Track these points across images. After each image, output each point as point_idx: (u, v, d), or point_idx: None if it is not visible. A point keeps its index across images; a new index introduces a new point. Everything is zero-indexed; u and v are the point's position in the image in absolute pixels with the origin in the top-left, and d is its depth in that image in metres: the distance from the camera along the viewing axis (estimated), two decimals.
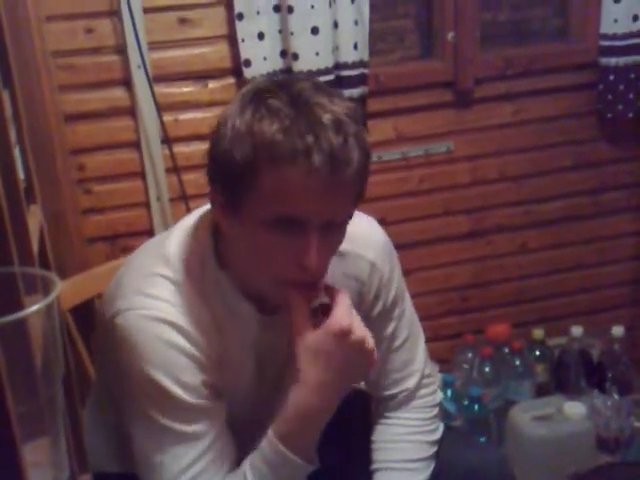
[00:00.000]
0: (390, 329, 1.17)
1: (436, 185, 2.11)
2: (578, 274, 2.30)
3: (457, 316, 2.23)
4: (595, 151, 2.20)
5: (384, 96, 1.99)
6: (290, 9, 1.76)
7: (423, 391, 1.22)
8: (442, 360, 2.13)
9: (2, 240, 0.64)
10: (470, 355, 2.05)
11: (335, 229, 0.95)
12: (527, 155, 2.15)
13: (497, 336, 2.06)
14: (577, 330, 2.06)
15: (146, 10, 1.76)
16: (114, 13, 1.76)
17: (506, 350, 2.03)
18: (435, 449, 1.19)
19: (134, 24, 1.73)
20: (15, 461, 0.55)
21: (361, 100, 1.90)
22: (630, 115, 2.09)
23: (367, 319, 1.10)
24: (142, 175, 1.87)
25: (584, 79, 2.12)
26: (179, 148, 1.87)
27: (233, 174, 0.88)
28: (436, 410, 1.23)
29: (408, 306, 1.21)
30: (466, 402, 1.82)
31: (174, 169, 1.86)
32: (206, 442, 0.99)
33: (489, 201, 2.16)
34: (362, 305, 1.12)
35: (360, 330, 0.96)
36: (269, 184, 0.86)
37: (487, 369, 1.97)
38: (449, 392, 1.84)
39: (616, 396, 1.87)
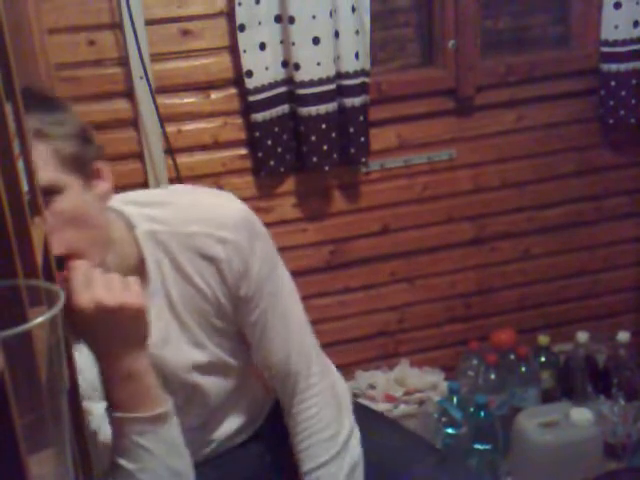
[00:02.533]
0: (256, 314, 1.16)
1: (439, 192, 2.11)
2: (582, 280, 2.30)
3: (462, 323, 2.23)
4: (597, 157, 2.20)
5: (386, 104, 1.99)
6: (291, 19, 1.77)
7: (307, 394, 1.21)
8: (447, 367, 2.13)
9: (6, 252, 0.64)
10: (475, 362, 2.04)
11: (53, 198, 0.93)
12: (529, 161, 2.15)
13: (502, 343, 2.06)
14: (582, 336, 2.05)
15: (148, 22, 1.77)
16: (116, 25, 1.76)
17: (511, 356, 2.03)
18: (338, 445, 1.19)
19: (136, 36, 1.74)
20: (20, 473, 0.55)
21: (363, 109, 1.90)
22: (632, 121, 2.10)
23: (236, 299, 1.13)
24: (146, 186, 1.87)
25: (585, 85, 2.12)
26: (182, 158, 1.88)
27: None
28: (328, 410, 1.21)
29: (285, 296, 1.20)
30: (472, 409, 1.81)
31: (177, 179, 1.87)
32: None
33: (492, 208, 2.16)
34: (226, 284, 1.12)
35: (96, 295, 0.92)
36: None
37: (493, 376, 1.97)
38: (455, 399, 1.84)
39: (622, 402, 1.87)
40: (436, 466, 1.24)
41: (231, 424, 1.30)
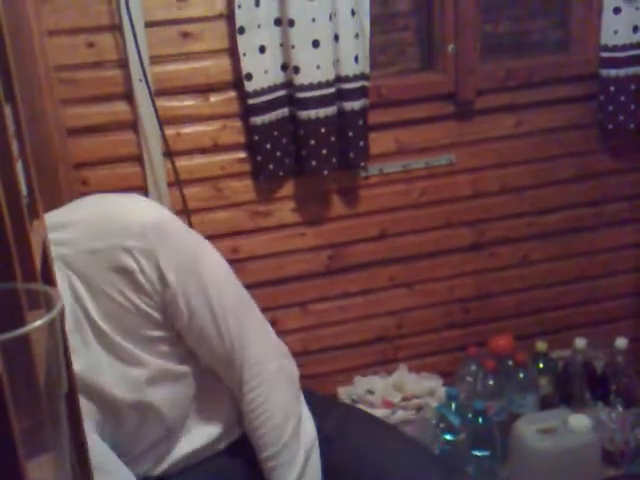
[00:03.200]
0: (187, 316, 1.14)
1: (438, 197, 2.11)
2: (580, 286, 2.30)
3: (460, 329, 2.23)
4: (597, 162, 2.20)
5: (385, 109, 1.99)
6: (291, 22, 1.77)
7: (253, 383, 1.20)
8: (445, 373, 2.12)
9: (5, 255, 0.64)
10: (474, 368, 2.04)
11: None
12: (528, 167, 2.15)
13: (500, 349, 2.05)
14: (580, 342, 2.05)
15: (147, 24, 1.77)
16: (116, 27, 1.76)
17: (510, 363, 2.02)
18: (288, 433, 1.18)
19: (135, 38, 1.73)
20: (19, 478, 0.54)
21: (362, 113, 1.90)
22: (631, 126, 2.10)
23: (161, 305, 1.11)
24: (144, 189, 1.87)
25: (585, 90, 2.12)
26: (181, 161, 1.87)
27: None
28: (277, 397, 1.21)
29: (217, 286, 1.17)
30: (470, 415, 1.81)
31: (176, 182, 1.87)
32: None
33: (491, 213, 2.16)
34: (145, 293, 1.10)
35: None
36: None
37: (491, 382, 1.96)
38: (453, 405, 1.83)
39: (620, 408, 1.86)
40: (445, 477, 1.22)
41: (203, 433, 1.28)
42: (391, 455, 1.26)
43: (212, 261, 1.19)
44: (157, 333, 1.15)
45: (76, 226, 1.09)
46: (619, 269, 2.31)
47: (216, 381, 1.26)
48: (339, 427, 1.32)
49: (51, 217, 1.10)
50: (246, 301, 1.24)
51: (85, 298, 1.09)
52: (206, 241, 1.23)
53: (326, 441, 1.28)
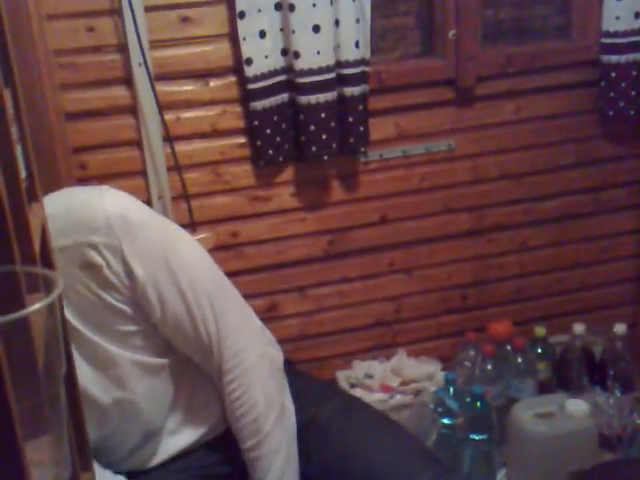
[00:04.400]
0: (159, 308, 1.12)
1: (437, 183, 2.11)
2: (579, 272, 2.30)
3: (458, 314, 2.23)
4: (596, 149, 2.20)
5: (385, 94, 1.99)
6: (291, 7, 1.76)
7: (233, 374, 1.18)
8: (444, 358, 2.13)
9: (4, 238, 0.64)
10: (472, 353, 2.05)
11: None
12: (528, 153, 2.15)
13: (499, 334, 2.06)
14: (579, 328, 2.05)
15: (147, 9, 1.76)
16: (115, 12, 1.75)
17: (508, 348, 2.03)
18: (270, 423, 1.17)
19: (135, 22, 1.73)
20: (17, 459, 0.55)
21: (363, 98, 1.90)
22: (632, 112, 2.09)
23: (132, 300, 1.09)
24: (144, 174, 1.87)
25: (586, 76, 2.12)
26: (180, 146, 1.87)
27: None
28: (257, 387, 1.19)
29: (190, 275, 1.15)
30: (468, 399, 1.82)
31: (176, 167, 1.87)
32: None
33: (490, 199, 2.16)
34: (114, 288, 1.08)
35: None
36: None
37: (489, 367, 1.97)
38: (451, 390, 1.84)
39: (618, 394, 1.87)
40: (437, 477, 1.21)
41: (188, 430, 1.26)
42: (385, 451, 1.24)
43: (184, 250, 1.17)
44: (131, 327, 1.13)
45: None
46: (618, 255, 2.32)
47: (198, 374, 1.25)
48: (335, 417, 1.30)
49: None
50: (224, 289, 1.22)
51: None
52: (179, 229, 1.20)
53: (320, 430, 1.26)
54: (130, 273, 1.08)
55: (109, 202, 1.09)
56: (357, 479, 1.22)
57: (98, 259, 1.06)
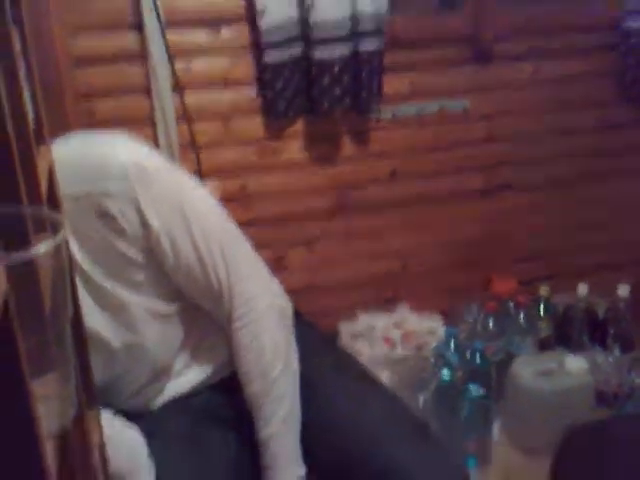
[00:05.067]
0: (172, 256, 1.13)
1: (450, 142, 2.10)
2: (590, 232, 2.30)
3: (464, 271, 2.24)
4: (614, 113, 2.19)
5: (401, 50, 1.96)
6: None
7: (243, 320, 1.20)
8: (446, 313, 2.15)
9: (11, 180, 0.65)
10: (475, 309, 2.06)
11: None
12: (545, 115, 2.14)
13: (502, 291, 2.08)
14: (583, 288, 2.06)
15: None
16: None
17: (511, 305, 2.04)
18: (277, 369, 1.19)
19: None
20: (24, 394, 0.57)
21: (378, 54, 1.87)
22: None
23: (145, 248, 1.10)
24: (152, 122, 1.86)
25: (605, 41, 2.10)
26: (190, 96, 1.86)
27: None
28: (266, 335, 1.20)
29: (203, 227, 1.16)
30: (468, 354, 1.84)
31: (185, 117, 1.86)
32: None
33: (502, 159, 2.15)
34: (126, 236, 1.09)
35: None
36: None
37: (491, 323, 1.99)
38: (452, 344, 1.86)
39: (617, 353, 1.89)
40: (414, 448, 1.20)
41: (194, 373, 1.29)
42: (370, 415, 1.24)
43: (197, 199, 1.17)
44: (143, 274, 1.15)
45: (57, 171, 1.08)
46: (630, 217, 2.31)
47: (207, 320, 1.26)
48: (325, 375, 1.31)
49: None
50: (235, 237, 1.23)
51: (71, 244, 1.07)
52: (191, 179, 1.21)
53: (308, 386, 1.27)
54: (144, 222, 1.10)
55: (124, 150, 1.09)
56: (342, 441, 1.23)
57: (114, 208, 1.07)
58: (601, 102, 2.16)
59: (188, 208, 1.14)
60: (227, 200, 1.90)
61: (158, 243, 1.12)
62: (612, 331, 1.99)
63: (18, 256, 0.60)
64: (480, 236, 2.22)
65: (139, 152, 1.12)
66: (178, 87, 1.83)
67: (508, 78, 2.08)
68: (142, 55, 1.80)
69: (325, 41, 1.81)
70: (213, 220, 1.19)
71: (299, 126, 1.98)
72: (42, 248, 0.64)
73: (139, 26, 1.78)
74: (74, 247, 1.09)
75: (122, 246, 1.11)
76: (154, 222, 1.10)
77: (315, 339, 1.44)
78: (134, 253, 1.12)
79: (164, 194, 1.11)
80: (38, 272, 0.65)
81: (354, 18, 1.82)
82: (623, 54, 2.06)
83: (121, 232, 1.09)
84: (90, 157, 1.08)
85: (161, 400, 1.29)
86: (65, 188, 0.94)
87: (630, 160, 2.24)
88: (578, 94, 2.14)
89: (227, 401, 1.31)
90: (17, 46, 0.71)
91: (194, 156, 1.89)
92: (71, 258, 0.86)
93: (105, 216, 1.08)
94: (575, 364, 1.73)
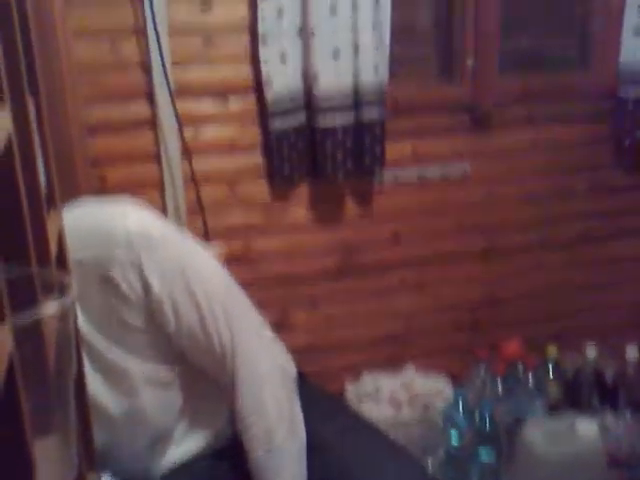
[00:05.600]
0: (173, 322, 1.13)
1: (451, 205, 2.13)
2: (592, 293, 2.30)
3: (469, 332, 2.24)
4: (611, 177, 2.22)
5: (403, 117, 2.01)
6: (312, 33, 1.79)
7: (245, 386, 1.18)
8: (453, 375, 2.13)
9: (22, 242, 0.66)
10: (483, 370, 2.05)
11: None
12: (543, 179, 2.17)
13: (510, 353, 2.06)
14: (591, 350, 2.05)
15: (171, 30, 1.79)
16: (140, 31, 1.78)
17: (519, 367, 2.03)
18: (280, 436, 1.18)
19: (159, 43, 1.76)
20: (26, 455, 0.57)
21: (380, 122, 1.92)
22: None
23: (146, 314, 1.10)
24: (161, 186, 1.89)
25: (603, 107, 2.14)
26: (198, 161, 1.90)
27: None
28: (270, 401, 1.19)
29: (206, 290, 1.15)
30: (477, 417, 1.82)
31: (193, 181, 1.89)
32: None
33: (504, 221, 2.18)
34: (130, 303, 1.09)
35: None
36: None
37: (499, 385, 1.97)
38: (460, 406, 1.84)
39: (628, 415, 1.86)
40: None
41: (195, 439, 1.27)
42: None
43: (200, 264, 1.18)
44: (144, 339, 1.15)
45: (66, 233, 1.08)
46: (631, 279, 2.31)
47: (207, 384, 1.25)
48: (338, 438, 1.28)
49: None
50: (238, 302, 1.23)
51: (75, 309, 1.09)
52: (196, 243, 1.22)
53: (322, 450, 1.24)
54: (147, 288, 1.10)
55: (130, 218, 1.10)
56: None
57: (117, 275, 1.08)
58: (599, 166, 2.20)
59: (191, 273, 1.15)
60: (232, 260, 1.93)
61: (160, 308, 1.12)
62: (622, 393, 1.97)
63: (25, 317, 0.62)
64: (483, 297, 2.23)
65: (145, 219, 1.13)
66: (186, 153, 1.87)
67: (507, 144, 2.12)
68: (153, 123, 1.85)
69: (328, 110, 1.86)
70: (216, 284, 1.19)
71: (303, 189, 2.01)
72: (49, 309, 0.66)
73: (150, 96, 1.83)
74: (77, 311, 1.10)
75: (124, 313, 1.11)
76: (156, 287, 1.10)
77: (325, 400, 1.42)
78: (135, 319, 1.12)
79: (168, 259, 1.12)
80: (44, 333, 0.66)
81: (356, 88, 1.88)
82: (619, 121, 2.10)
83: (124, 299, 1.10)
84: (97, 223, 1.10)
85: (162, 467, 1.27)
86: (71, 253, 0.95)
87: (629, 222, 2.26)
88: (576, 159, 2.17)
89: (231, 467, 1.29)
90: (32, 114, 0.74)
91: (201, 219, 1.91)
92: (76, 321, 0.87)
93: (109, 282, 1.09)
94: (586, 427, 1.71)
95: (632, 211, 2.26)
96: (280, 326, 2.03)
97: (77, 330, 0.88)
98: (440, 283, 2.18)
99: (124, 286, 1.09)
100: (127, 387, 1.16)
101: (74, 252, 0.98)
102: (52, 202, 0.84)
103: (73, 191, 1.46)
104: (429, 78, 2.15)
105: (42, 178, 0.78)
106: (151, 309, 1.12)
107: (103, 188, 1.86)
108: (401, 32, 2.04)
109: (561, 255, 2.24)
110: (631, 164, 2.20)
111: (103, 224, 1.10)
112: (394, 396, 1.96)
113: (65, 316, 0.72)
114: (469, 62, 2.02)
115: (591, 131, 2.16)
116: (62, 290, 0.72)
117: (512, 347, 2.08)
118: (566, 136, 2.15)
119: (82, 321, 1.10)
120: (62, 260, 0.85)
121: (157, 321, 1.14)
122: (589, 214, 2.22)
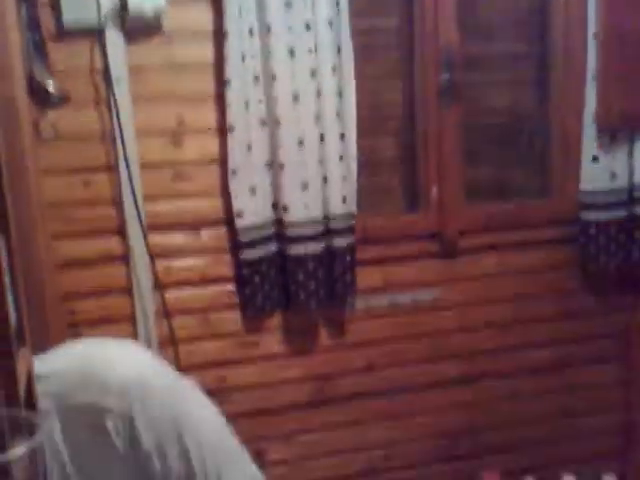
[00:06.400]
0: (162, 473, 1.08)
1: (423, 331, 2.13)
2: (568, 421, 2.28)
3: (449, 463, 2.19)
4: (578, 302, 2.25)
5: (371, 245, 2.04)
6: (281, 166, 1.85)
7: None
8: None
9: None
10: None
11: None
12: (511, 304, 2.19)
13: None
14: (569, 479, 2.01)
15: (142, 165, 1.83)
16: (111, 168, 1.82)
17: None
18: None
19: (131, 179, 1.80)
20: None
21: (350, 250, 1.95)
22: (612, 267, 2.16)
23: (135, 464, 1.06)
24: (133, 320, 1.88)
25: (566, 233, 2.19)
26: (171, 293, 1.90)
27: None
28: None
29: (200, 439, 1.11)
30: None
31: (165, 314, 1.88)
32: None
33: (477, 347, 2.18)
34: (119, 453, 1.05)
35: None
36: None
37: None
38: None
39: None
40: None
41: None
42: None
43: (196, 417, 1.14)
44: None
45: (61, 378, 1.05)
46: (604, 406, 2.31)
47: None
48: None
49: (37, 366, 1.04)
50: (233, 452, 1.19)
51: (63, 453, 1.04)
52: (194, 391, 1.21)
53: None
54: (137, 440, 1.05)
55: (127, 364, 1.08)
56: None
57: (109, 424, 1.04)
58: (566, 291, 2.23)
59: (185, 427, 1.10)
60: (206, 394, 1.89)
61: (149, 459, 1.09)
62: None
63: None
64: (461, 425, 2.20)
65: (143, 365, 1.10)
66: (158, 286, 1.88)
67: (474, 270, 2.16)
68: (124, 257, 1.86)
69: (299, 239, 1.89)
70: (210, 437, 1.14)
71: (276, 320, 2.01)
72: (17, 452, 0.64)
73: (122, 230, 1.85)
74: (64, 457, 1.06)
75: (113, 460, 1.08)
76: (147, 440, 1.07)
77: None
78: (123, 467, 1.09)
79: (162, 413, 1.08)
80: (12, 476, 0.64)
81: (326, 218, 1.92)
82: (584, 246, 2.16)
83: (114, 447, 1.07)
84: (95, 367, 1.06)
85: None
86: (67, 396, 0.93)
87: (599, 348, 2.28)
88: (544, 284, 2.21)
89: None
90: (3, 252, 0.74)
91: (173, 351, 1.89)
92: (45, 461, 0.84)
93: (100, 430, 1.04)
94: None
95: (602, 336, 2.28)
96: (255, 461, 1.96)
97: (46, 472, 0.85)
98: (416, 411, 2.15)
99: (114, 436, 1.06)
100: None
101: (72, 395, 0.97)
102: (22, 340, 0.83)
103: (43, 327, 1.44)
104: (396, 208, 2.21)
105: (12, 318, 0.77)
106: (140, 459, 1.09)
107: (73, 322, 1.85)
108: (367, 164, 2.10)
109: (534, 381, 2.24)
110: (598, 289, 2.24)
111: (100, 368, 1.06)
112: None
113: (34, 459, 0.69)
114: (434, 192, 2.09)
115: (557, 257, 2.21)
116: (31, 431, 0.71)
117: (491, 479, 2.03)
118: (532, 262, 2.19)
119: (71, 469, 1.06)
120: (30, 400, 0.83)
121: (145, 471, 1.10)
122: (559, 340, 2.24)
